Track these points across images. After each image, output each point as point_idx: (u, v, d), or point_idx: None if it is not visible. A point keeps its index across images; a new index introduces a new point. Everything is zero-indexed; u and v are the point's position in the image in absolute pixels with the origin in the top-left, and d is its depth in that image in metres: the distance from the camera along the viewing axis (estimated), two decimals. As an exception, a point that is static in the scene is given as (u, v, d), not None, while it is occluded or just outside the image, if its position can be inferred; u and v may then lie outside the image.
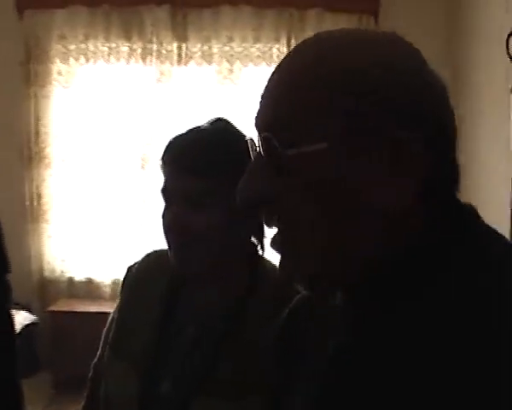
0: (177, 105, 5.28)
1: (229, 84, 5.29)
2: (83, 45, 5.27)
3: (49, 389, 4.90)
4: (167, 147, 1.44)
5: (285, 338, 1.07)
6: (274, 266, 1.51)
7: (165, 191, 1.43)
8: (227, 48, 5.30)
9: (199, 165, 1.37)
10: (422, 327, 0.76)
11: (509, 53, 2.86)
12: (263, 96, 0.87)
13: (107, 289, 5.37)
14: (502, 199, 2.84)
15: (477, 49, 4.13)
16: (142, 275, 1.58)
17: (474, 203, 0.86)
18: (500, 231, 0.83)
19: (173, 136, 1.46)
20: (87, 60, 5.31)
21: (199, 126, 1.46)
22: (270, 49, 5.31)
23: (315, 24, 5.20)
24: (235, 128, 1.48)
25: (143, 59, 5.29)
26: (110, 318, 1.62)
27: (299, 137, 0.80)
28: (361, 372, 0.81)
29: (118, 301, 1.61)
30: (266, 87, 0.87)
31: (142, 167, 5.30)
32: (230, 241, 1.42)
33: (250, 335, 1.40)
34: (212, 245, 1.39)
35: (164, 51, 5.28)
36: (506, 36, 2.87)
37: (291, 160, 0.80)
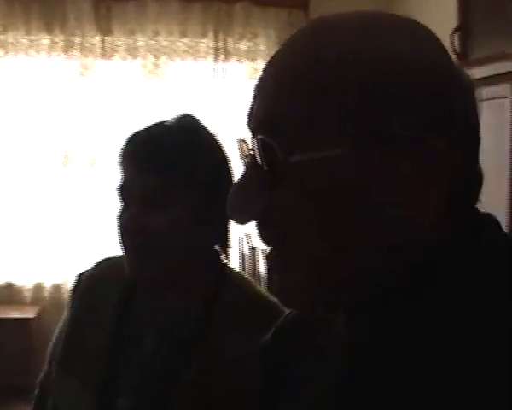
0: (101, 100, 5.10)
1: (154, 79, 5.16)
2: (1, 37, 5.03)
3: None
4: (127, 141, 1.34)
5: (273, 359, 0.97)
6: (239, 274, 1.47)
7: (122, 189, 1.32)
8: (153, 42, 5.17)
9: (161, 161, 1.28)
10: (429, 339, 0.69)
11: (454, 49, 2.83)
12: (259, 92, 0.75)
13: (29, 294, 5.14)
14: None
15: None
16: (94, 284, 1.46)
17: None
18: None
19: (134, 130, 1.35)
20: (6, 52, 5.06)
21: (163, 121, 1.36)
22: (197, 43, 5.21)
23: (243, 18, 5.14)
24: (201, 125, 1.39)
25: (65, 52, 5.09)
26: (57, 331, 1.50)
27: (304, 142, 0.69)
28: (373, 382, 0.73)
29: (66, 312, 1.49)
30: (263, 80, 0.75)
31: (64, 165, 5.10)
32: (193, 242, 1.33)
33: (215, 340, 1.32)
34: (172, 246, 1.30)
35: (87, 44, 5.10)
36: (450, 32, 2.85)
37: (295, 167, 0.69)
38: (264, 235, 0.75)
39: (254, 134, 0.73)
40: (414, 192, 0.69)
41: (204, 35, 5.18)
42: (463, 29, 2.98)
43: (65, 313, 1.50)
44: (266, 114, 0.73)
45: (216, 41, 5.16)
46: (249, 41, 5.19)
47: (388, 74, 0.68)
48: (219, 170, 1.36)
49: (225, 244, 1.41)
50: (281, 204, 0.71)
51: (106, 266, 1.50)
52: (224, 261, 1.42)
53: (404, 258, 0.71)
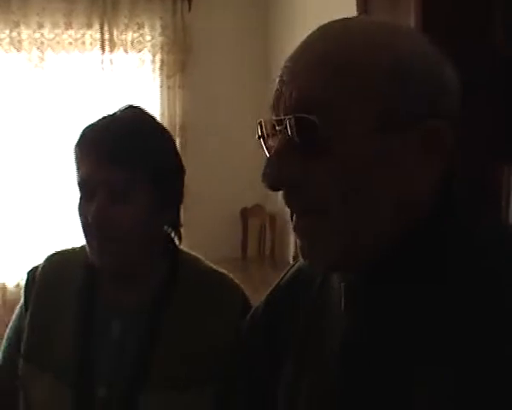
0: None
1: (40, 72, 5.04)
2: None
3: None
4: (82, 135, 1.38)
5: (265, 329, 1.10)
6: (192, 254, 1.53)
7: (83, 183, 1.36)
8: (37, 34, 5.04)
9: (124, 154, 1.32)
10: (427, 312, 0.83)
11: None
12: (292, 76, 0.87)
13: None
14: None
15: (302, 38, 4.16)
16: (50, 278, 1.49)
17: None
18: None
19: (86, 124, 1.39)
20: None
21: (112, 114, 1.41)
22: (83, 35, 5.12)
23: (128, 9, 5.11)
24: (150, 115, 1.45)
25: None
26: (9, 328, 1.52)
27: (339, 120, 0.82)
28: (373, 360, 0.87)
29: (19, 308, 1.52)
30: (296, 67, 0.87)
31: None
32: (155, 231, 1.41)
33: (180, 318, 1.41)
34: (138, 235, 1.36)
35: (-32, 37, 4.94)
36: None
37: (329, 141, 0.82)
38: (294, 201, 0.87)
39: (289, 113, 0.85)
40: (422, 168, 0.83)
41: (90, 27, 5.10)
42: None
43: (16, 310, 1.52)
44: (306, 95, 0.84)
45: (102, 33, 5.09)
46: (135, 32, 5.15)
47: (407, 70, 0.83)
48: (170, 157, 1.43)
49: (178, 227, 1.49)
50: (314, 174, 0.83)
51: (58, 259, 1.53)
52: (177, 243, 1.50)
53: (405, 228, 0.85)
